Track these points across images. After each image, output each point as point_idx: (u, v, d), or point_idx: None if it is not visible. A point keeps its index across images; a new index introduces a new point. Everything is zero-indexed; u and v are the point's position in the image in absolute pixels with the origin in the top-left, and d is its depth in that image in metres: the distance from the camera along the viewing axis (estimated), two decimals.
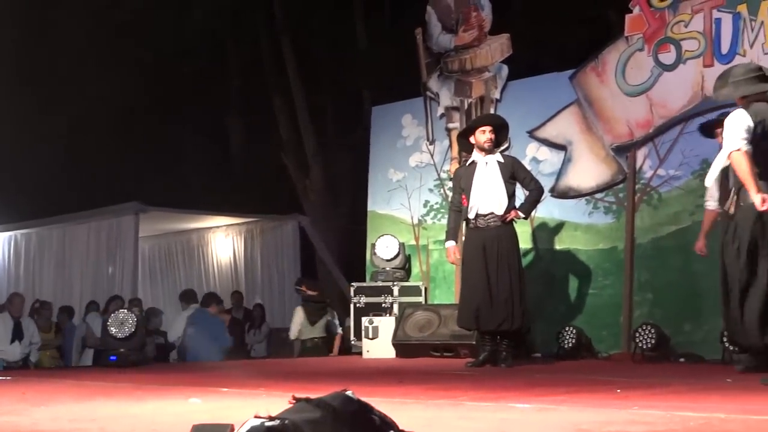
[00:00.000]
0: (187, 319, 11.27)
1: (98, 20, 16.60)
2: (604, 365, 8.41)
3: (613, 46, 9.88)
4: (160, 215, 13.90)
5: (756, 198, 5.80)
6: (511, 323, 7.88)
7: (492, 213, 8.14)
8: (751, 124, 5.95)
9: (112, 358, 8.94)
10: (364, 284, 10.60)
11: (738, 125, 5.97)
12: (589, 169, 9.89)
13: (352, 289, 10.55)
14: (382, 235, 10.74)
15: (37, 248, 14.45)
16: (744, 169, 5.85)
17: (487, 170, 8.20)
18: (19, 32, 16.53)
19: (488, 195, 8.17)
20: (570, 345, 9.04)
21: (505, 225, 8.11)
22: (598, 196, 9.84)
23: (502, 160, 8.30)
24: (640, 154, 9.58)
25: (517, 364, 7.95)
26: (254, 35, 17.50)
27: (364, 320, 9.83)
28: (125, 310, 9.38)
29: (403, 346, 9.44)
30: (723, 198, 6.43)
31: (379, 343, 9.63)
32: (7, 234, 14.78)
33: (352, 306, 10.47)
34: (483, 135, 8.24)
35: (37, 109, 17.30)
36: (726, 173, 6.30)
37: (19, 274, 14.49)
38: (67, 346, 12.38)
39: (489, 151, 8.25)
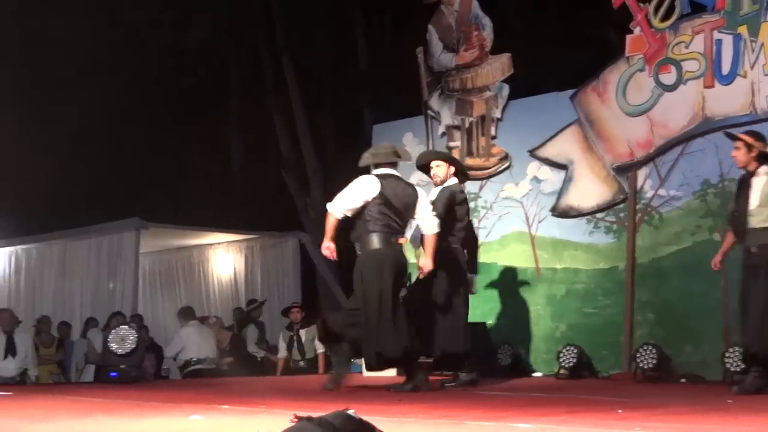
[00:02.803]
0: None
1: (99, 36, 16.65)
2: (604, 385, 8.40)
3: (613, 67, 9.92)
4: (161, 231, 13.88)
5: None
6: None
7: None
8: (375, 194, 7.24)
9: (112, 374, 8.93)
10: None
11: (354, 190, 7.31)
12: (589, 189, 9.91)
13: None
14: None
15: (38, 263, 14.42)
16: (328, 225, 7.32)
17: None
18: (19, 47, 16.57)
19: None
20: (570, 364, 9.03)
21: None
22: (599, 215, 9.86)
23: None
24: (641, 174, 9.61)
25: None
26: (255, 53, 17.54)
27: None
28: (126, 327, 9.37)
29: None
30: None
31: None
32: (7, 249, 14.75)
33: None
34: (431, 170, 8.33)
35: (38, 124, 17.32)
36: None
37: (19, 289, 14.44)
38: (68, 362, 12.37)
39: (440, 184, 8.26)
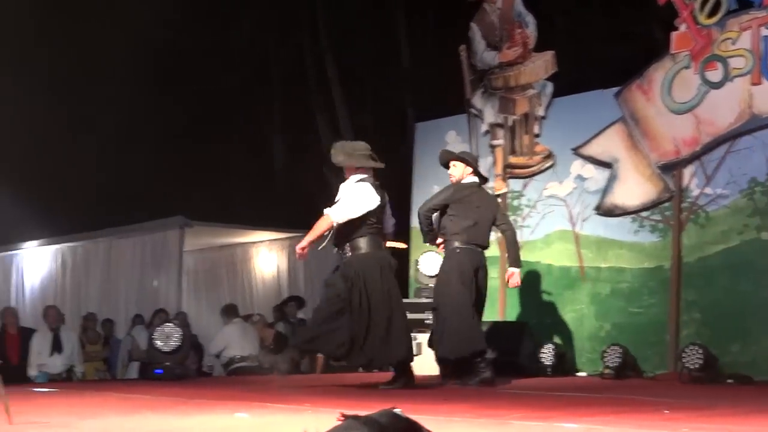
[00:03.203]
0: None
1: (143, 36, 16.78)
2: (650, 385, 8.33)
3: (659, 64, 9.82)
4: (205, 230, 13.98)
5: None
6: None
7: None
8: (377, 203, 7.50)
9: (157, 371, 9.00)
10: (407, 301, 10.48)
11: (359, 201, 7.45)
12: (634, 187, 9.83)
13: None
14: (426, 252, 10.68)
15: (83, 261, 14.58)
16: (321, 228, 7.54)
17: None
18: (63, 47, 16.75)
19: None
20: (615, 364, 8.95)
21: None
22: (644, 214, 9.77)
23: None
24: (687, 172, 9.51)
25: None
26: (298, 53, 17.60)
27: None
28: (171, 324, 9.44)
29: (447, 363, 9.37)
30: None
31: (422, 360, 9.56)
32: (53, 247, 14.94)
33: None
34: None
35: (83, 123, 17.51)
36: None
37: (65, 287, 14.63)
38: (114, 359, 12.48)
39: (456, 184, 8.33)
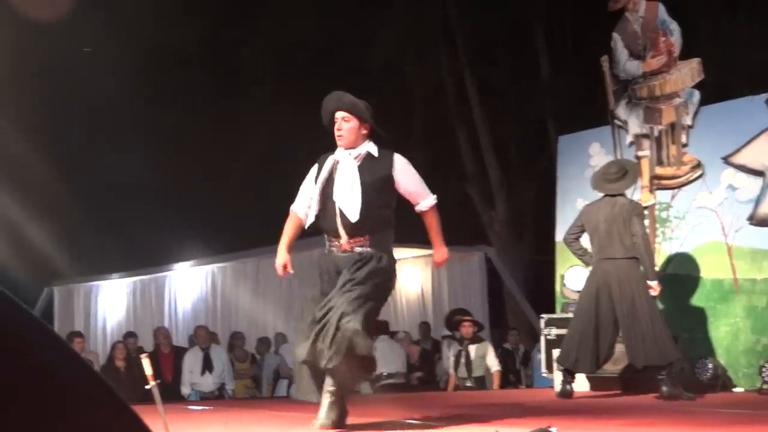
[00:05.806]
0: None
1: (284, 58, 17.14)
2: None
3: None
4: None
5: None
6: None
7: None
8: None
9: None
10: (554, 316, 10.39)
11: None
12: None
13: (542, 321, 10.36)
14: (572, 266, 10.53)
15: (233, 281, 14.94)
16: None
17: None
18: (211, 74, 17.25)
19: None
20: None
21: None
22: None
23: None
24: None
25: None
26: (437, 68, 17.67)
27: (556, 353, 9.61)
28: None
29: (597, 379, 9.23)
30: None
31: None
32: (205, 268, 15.35)
33: (542, 338, 10.28)
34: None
35: (231, 146, 17.98)
36: None
37: (216, 306, 15.02)
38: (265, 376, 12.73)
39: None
